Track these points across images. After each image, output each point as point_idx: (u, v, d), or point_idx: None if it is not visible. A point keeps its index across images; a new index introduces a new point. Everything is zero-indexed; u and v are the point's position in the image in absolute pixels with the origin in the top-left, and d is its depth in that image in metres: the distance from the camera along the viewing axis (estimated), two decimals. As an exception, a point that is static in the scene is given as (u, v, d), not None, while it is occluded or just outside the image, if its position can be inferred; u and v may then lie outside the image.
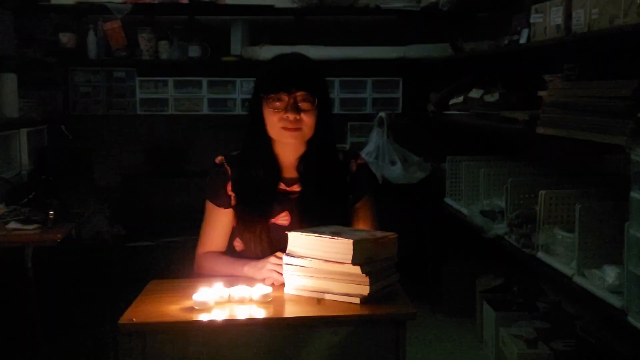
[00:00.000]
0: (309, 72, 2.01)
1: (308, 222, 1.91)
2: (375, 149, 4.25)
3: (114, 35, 4.39)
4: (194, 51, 4.45)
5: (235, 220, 2.06)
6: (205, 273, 2.02)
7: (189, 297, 1.70)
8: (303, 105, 1.97)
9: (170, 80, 4.46)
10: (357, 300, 1.68)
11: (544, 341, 2.97)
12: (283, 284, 1.80)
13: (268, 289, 1.74)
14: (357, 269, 1.68)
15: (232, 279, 1.85)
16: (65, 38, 4.37)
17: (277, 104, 1.97)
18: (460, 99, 3.84)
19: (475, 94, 3.63)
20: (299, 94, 1.96)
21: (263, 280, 1.85)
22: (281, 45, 4.15)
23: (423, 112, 4.44)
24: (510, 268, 3.73)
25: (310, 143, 2.04)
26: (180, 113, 4.49)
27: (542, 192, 2.69)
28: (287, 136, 1.99)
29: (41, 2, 4.28)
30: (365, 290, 1.68)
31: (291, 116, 1.95)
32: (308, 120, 1.98)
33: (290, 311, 1.71)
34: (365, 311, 1.66)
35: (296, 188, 2.06)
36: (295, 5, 4.49)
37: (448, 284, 4.17)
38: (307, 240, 1.76)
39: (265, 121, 2.00)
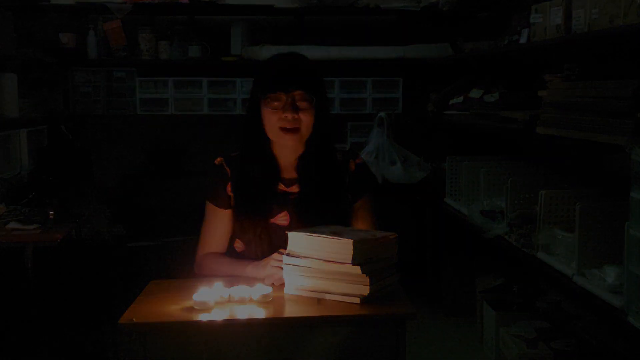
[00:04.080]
0: (306, 72, 2.02)
1: (307, 222, 1.91)
2: (375, 149, 4.25)
3: (114, 35, 4.39)
4: (194, 51, 4.45)
5: (235, 220, 2.06)
6: (206, 275, 2.02)
7: (189, 297, 1.70)
8: (301, 104, 1.97)
9: (170, 80, 4.46)
10: (357, 300, 1.68)
11: (544, 341, 2.97)
12: (283, 284, 1.80)
13: (268, 289, 1.74)
14: (357, 269, 1.68)
15: (232, 279, 1.85)
16: (65, 38, 4.37)
17: (275, 103, 1.97)
18: (460, 99, 3.84)
19: (475, 94, 3.63)
20: (297, 93, 1.96)
21: (264, 280, 1.85)
22: (281, 45, 4.15)
23: (423, 112, 4.44)
24: (510, 268, 3.73)
25: (309, 143, 2.04)
26: (180, 113, 4.49)
27: (542, 192, 2.69)
28: (286, 138, 1.99)
29: (41, 2, 4.27)
30: (365, 290, 1.68)
31: (289, 115, 1.95)
32: (306, 120, 1.98)
33: (290, 311, 1.71)
34: (365, 311, 1.66)
35: (295, 189, 2.06)
36: (295, 5, 4.49)
37: (448, 284, 4.16)
38: (307, 240, 1.76)
39: (263, 122, 2.00)
